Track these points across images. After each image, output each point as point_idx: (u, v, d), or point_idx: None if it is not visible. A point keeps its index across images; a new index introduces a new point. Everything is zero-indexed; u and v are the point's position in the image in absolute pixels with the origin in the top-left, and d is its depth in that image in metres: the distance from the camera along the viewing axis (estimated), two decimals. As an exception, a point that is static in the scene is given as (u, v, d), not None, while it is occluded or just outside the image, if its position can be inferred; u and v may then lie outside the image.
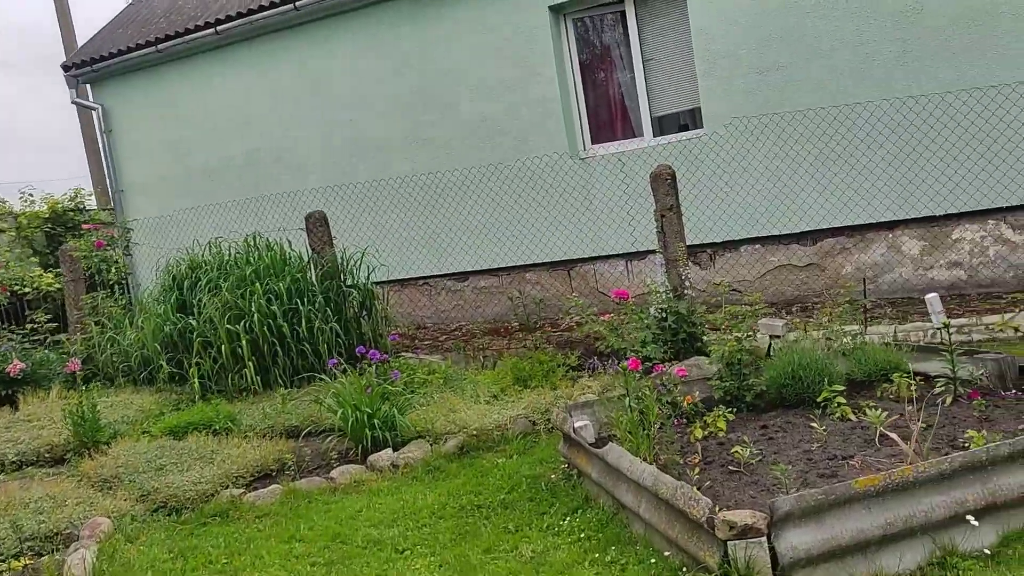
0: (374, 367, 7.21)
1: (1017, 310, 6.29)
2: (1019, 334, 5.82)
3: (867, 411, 4.33)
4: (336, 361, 7.26)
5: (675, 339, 6.70)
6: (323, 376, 6.78)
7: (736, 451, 4.08)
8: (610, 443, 4.11)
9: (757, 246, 8.37)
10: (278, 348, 7.79)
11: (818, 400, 4.65)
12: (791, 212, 8.08)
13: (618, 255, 9.04)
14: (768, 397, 4.91)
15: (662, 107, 8.98)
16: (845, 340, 5.59)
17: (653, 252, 8.84)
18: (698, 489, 3.78)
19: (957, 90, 7.26)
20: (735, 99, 8.22)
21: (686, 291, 6.94)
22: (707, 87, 8.38)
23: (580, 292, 9.31)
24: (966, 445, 3.87)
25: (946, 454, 3.68)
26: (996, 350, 5.69)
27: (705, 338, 6.89)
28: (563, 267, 9.38)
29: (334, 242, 8.63)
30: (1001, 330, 5.88)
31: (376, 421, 5.66)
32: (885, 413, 4.15)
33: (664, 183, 6.94)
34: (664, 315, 6.81)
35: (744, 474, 3.96)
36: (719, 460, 4.16)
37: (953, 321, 6.32)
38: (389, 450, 5.49)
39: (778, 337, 6.95)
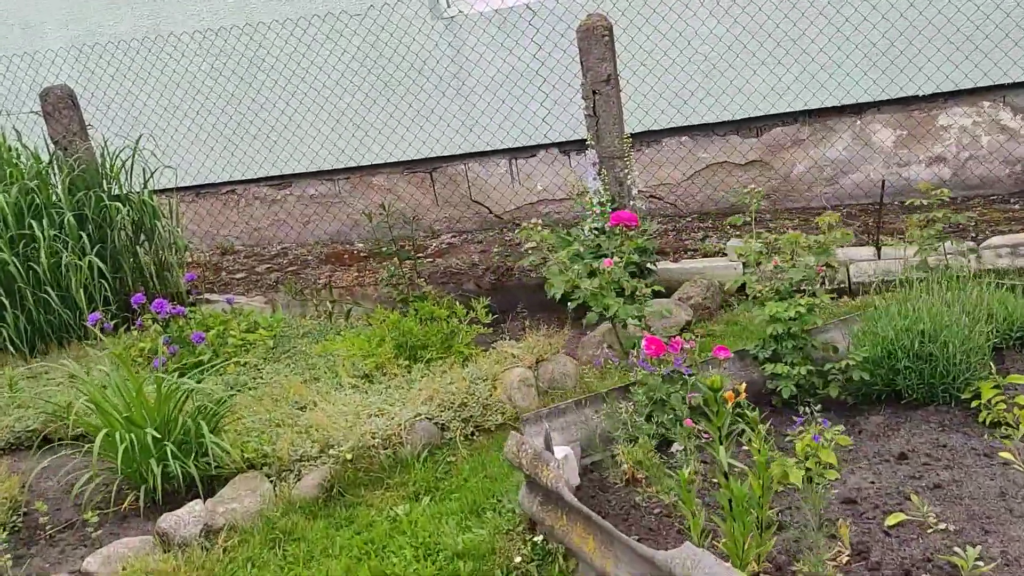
0: (161, 325, 4.69)
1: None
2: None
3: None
4: (99, 316, 4.70)
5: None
6: (82, 339, 4.26)
7: (952, 555, 2.05)
8: (686, 544, 1.97)
9: (684, 138, 6.38)
10: (3, 298, 5.05)
11: (962, 396, 2.74)
12: (730, 92, 6.12)
13: (499, 151, 6.79)
14: (863, 389, 2.95)
15: (553, -51, 6.66)
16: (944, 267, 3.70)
17: (545, 147, 6.68)
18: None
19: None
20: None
21: (631, 202, 4.85)
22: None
23: (448, 202, 7.01)
24: None
25: None
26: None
27: (653, 268, 4.88)
28: (423, 168, 7.02)
29: (90, 133, 5.80)
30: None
31: (170, 446, 3.23)
32: None
33: (600, 41, 4.72)
34: (600, 236, 4.70)
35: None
36: (885, 558, 2.13)
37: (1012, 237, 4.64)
38: (198, 502, 3.10)
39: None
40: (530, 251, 4.05)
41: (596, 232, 4.73)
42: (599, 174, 4.85)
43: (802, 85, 5.97)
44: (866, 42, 5.79)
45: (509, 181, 6.83)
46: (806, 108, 6.07)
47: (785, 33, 5.92)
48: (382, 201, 7.03)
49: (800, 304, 2.91)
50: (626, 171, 4.83)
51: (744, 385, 2.92)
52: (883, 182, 4.71)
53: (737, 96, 6.12)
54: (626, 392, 3.03)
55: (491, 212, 6.93)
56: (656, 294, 4.84)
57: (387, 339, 4.04)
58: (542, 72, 6.39)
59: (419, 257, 6.23)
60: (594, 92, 4.79)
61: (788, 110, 6.10)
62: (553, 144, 6.62)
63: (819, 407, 2.99)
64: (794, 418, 2.83)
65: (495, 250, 6.34)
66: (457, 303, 4.47)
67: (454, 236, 6.85)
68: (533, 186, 6.77)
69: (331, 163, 7.12)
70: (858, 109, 6.02)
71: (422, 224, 6.93)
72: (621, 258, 3.76)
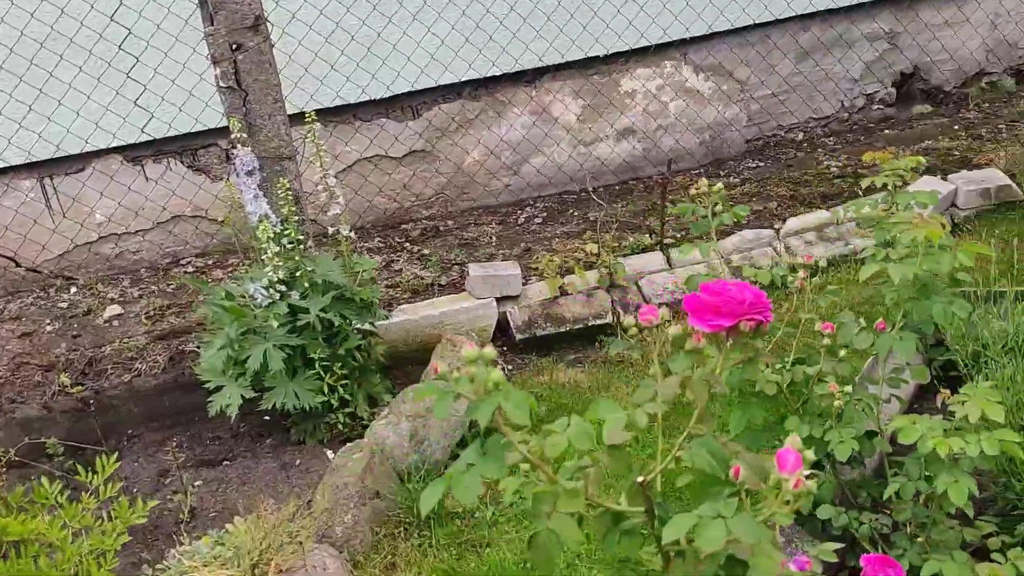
0: None
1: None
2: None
3: None
4: None
5: (334, 356, 2.76)
6: None
7: None
8: None
9: (316, 126, 4.50)
10: None
11: None
12: (373, 61, 4.43)
13: (18, 168, 4.22)
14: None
15: None
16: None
17: (101, 155, 4.32)
18: None
19: None
20: None
21: (331, 229, 2.97)
22: None
23: (-65, 258, 4.22)
24: None
25: None
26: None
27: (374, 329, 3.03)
28: None
29: None
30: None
31: None
32: None
33: (239, -43, 2.69)
34: (290, 293, 2.76)
35: None
36: None
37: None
38: None
39: (514, 298, 3.45)
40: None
41: (282, 289, 2.74)
42: (261, 188, 2.84)
43: (473, 50, 4.50)
44: (540, -12, 4.52)
45: (45, 213, 4.30)
46: (470, 79, 4.63)
47: (445, -26, 4.39)
48: None
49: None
50: (299, 180, 2.91)
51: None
52: (669, 161, 3.47)
53: (385, 66, 4.44)
54: None
55: (19, 265, 4.33)
56: (383, 369, 3.04)
57: None
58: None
59: (-96, 368, 3.51)
60: (234, 47, 2.75)
61: (450, 80, 4.60)
62: (115, 149, 4.27)
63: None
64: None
65: (48, 328, 3.88)
66: (48, 482, 2.13)
67: None
68: (88, 218, 4.34)
69: None
70: (535, 75, 4.75)
71: None
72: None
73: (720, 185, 1.90)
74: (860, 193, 4.20)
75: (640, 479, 0.99)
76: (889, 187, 2.16)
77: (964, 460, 1.46)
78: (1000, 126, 4.83)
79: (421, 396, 0.91)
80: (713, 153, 5.09)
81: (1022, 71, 5.39)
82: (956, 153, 4.51)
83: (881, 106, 5.28)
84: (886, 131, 5.07)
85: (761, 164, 4.87)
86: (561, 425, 0.98)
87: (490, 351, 0.96)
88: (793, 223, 3.62)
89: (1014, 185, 3.66)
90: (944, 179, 3.70)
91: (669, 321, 1.15)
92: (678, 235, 3.92)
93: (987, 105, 5.17)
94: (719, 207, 1.87)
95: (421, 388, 0.97)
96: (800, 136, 5.20)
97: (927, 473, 1.53)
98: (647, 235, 3.70)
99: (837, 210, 3.61)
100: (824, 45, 5.06)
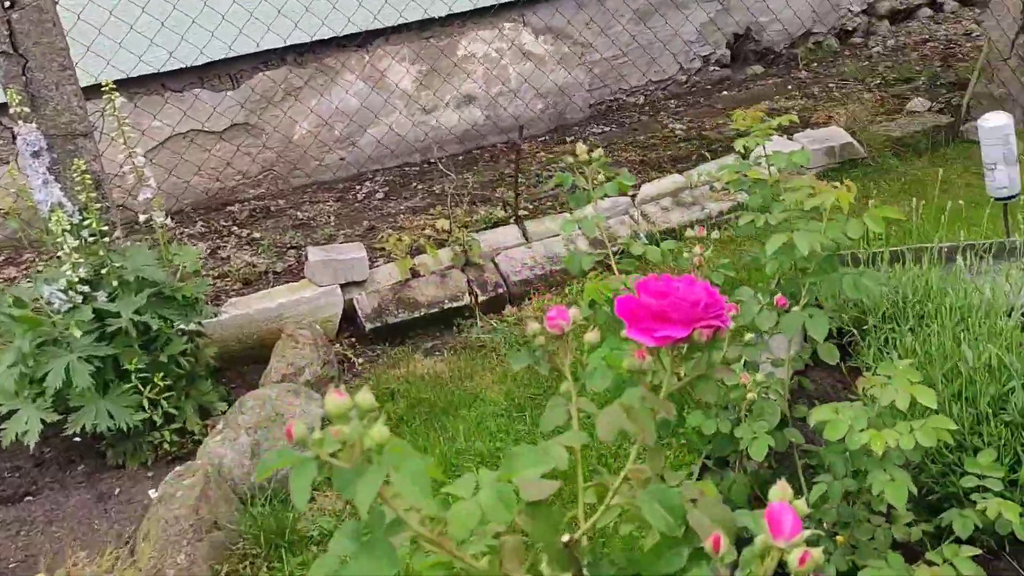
0: None
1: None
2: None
3: None
4: None
5: (154, 365, 2.38)
6: None
7: None
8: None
9: (119, 100, 3.98)
10: None
11: None
12: (182, 19, 3.95)
13: None
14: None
15: None
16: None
17: None
18: None
19: None
20: None
21: (111, 214, 2.56)
22: None
23: None
24: None
25: None
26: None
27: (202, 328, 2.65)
28: None
29: None
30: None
31: None
32: None
33: None
34: (95, 294, 2.35)
35: None
36: None
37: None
38: None
39: (361, 283, 3.13)
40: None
41: (85, 290, 2.32)
42: (52, 171, 2.40)
43: (299, 7, 4.10)
44: (367, -57, 4.17)
45: None
46: (297, 42, 4.24)
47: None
48: None
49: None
50: (136, 161, 2.50)
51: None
52: (520, 128, 3.23)
53: (197, 26, 3.96)
54: None
55: None
56: (215, 373, 2.68)
57: None
58: None
59: None
60: (7, 4, 2.29)
61: (274, 46, 4.19)
62: None
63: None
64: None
65: None
66: None
67: None
68: None
69: None
70: (368, 39, 4.41)
71: None
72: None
73: (600, 151, 1.69)
74: (707, 156, 4.17)
75: (566, 539, 0.77)
76: (756, 147, 2.04)
77: (894, 452, 1.34)
78: (831, 85, 4.92)
79: (267, 471, 0.64)
80: (558, 118, 4.93)
81: (845, 31, 5.55)
82: (794, 112, 4.54)
83: (717, 67, 5.29)
84: (724, 92, 5.07)
85: (607, 129, 4.75)
86: (467, 487, 0.73)
87: (367, 399, 0.69)
88: (648, 189, 3.50)
89: (856, 143, 3.70)
90: (790, 139, 3.69)
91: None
92: (531, 206, 3.72)
93: (816, 65, 5.27)
94: (601, 176, 1.67)
95: (272, 457, 0.68)
96: (642, 99, 5.12)
97: (854, 469, 1.40)
98: (500, 207, 3.48)
99: (691, 174, 3.53)
100: (669, 2, 4.98)
